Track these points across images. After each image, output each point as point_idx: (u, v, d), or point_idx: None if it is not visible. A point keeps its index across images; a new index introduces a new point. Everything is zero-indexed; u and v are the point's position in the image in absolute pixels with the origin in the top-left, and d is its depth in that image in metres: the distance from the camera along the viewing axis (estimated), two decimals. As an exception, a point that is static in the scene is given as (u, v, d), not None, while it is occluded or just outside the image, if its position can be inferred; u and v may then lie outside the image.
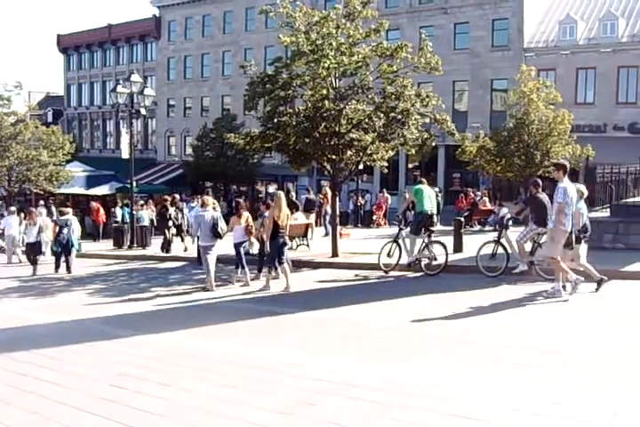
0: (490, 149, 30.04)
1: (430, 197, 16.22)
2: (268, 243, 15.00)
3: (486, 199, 30.83)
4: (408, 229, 16.11)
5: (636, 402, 6.19)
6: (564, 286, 12.10)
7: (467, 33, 44.99)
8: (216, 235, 15.40)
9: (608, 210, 18.22)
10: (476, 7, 44.36)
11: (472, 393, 6.66)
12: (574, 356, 7.92)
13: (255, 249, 16.37)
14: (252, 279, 15.86)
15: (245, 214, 16.30)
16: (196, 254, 18.10)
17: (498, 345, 8.65)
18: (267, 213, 15.53)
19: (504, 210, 18.22)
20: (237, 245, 16.15)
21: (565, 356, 7.92)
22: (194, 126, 54.89)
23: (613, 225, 17.01)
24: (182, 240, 24.55)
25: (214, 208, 16.60)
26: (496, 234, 15.31)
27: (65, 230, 20.37)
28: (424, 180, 17.16)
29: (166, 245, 23.93)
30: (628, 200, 19.20)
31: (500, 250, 14.62)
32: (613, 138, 38.76)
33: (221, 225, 15.45)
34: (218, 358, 8.81)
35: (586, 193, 13.14)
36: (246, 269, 15.91)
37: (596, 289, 12.13)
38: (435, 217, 16.14)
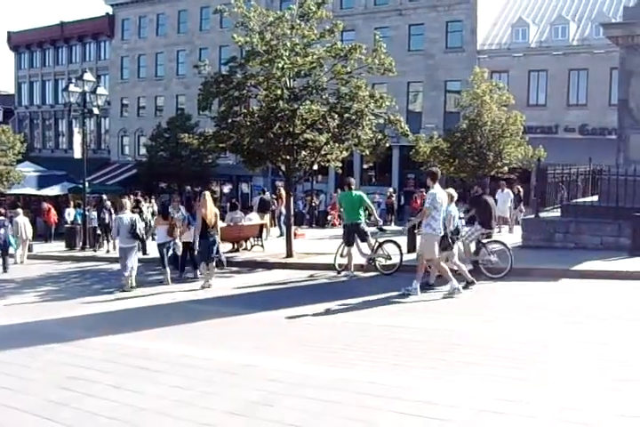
0: (443, 149, 30.26)
1: (353, 204, 15.74)
2: (197, 242, 15.56)
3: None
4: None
5: (589, 397, 6.30)
6: (472, 283, 12.85)
7: (421, 34, 45.32)
8: (134, 236, 15.90)
9: (559, 210, 18.48)
10: (431, 9, 44.71)
11: (427, 392, 6.70)
12: (525, 353, 8.03)
13: (179, 250, 16.85)
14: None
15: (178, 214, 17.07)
16: (152, 255, 17.98)
17: (449, 344, 8.73)
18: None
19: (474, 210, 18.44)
20: (161, 246, 16.78)
21: (517, 353, 8.03)
22: (148, 126, 54.43)
23: (564, 225, 17.28)
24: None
25: (141, 210, 17.21)
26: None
27: (2, 231, 20.43)
28: (352, 180, 16.55)
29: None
30: (578, 200, 19.51)
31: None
32: (564, 139, 39.36)
33: (139, 227, 16.04)
34: (169, 359, 8.74)
35: (455, 196, 13.57)
36: (167, 268, 16.45)
37: (464, 287, 12.54)
38: (361, 225, 15.67)
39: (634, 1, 20.11)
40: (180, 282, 16.50)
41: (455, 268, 13.00)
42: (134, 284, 15.79)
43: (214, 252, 15.66)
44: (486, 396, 6.43)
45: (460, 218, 14.43)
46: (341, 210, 16.20)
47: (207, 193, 16.30)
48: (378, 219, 16.66)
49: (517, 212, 24.99)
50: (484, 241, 14.31)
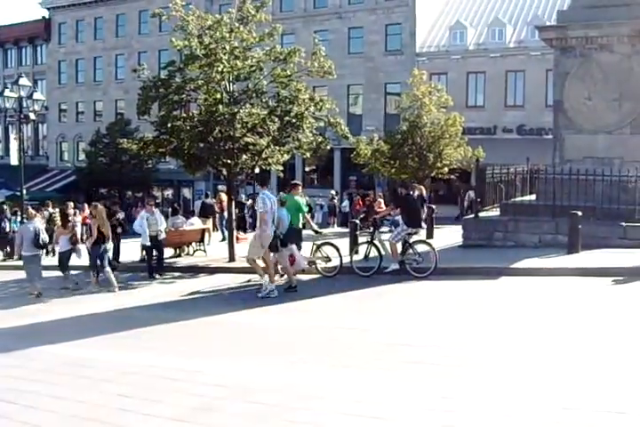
0: (384, 151, 30.43)
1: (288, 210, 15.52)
2: (89, 250, 16.51)
3: (381, 201, 31.17)
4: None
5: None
6: (294, 288, 13.66)
7: (361, 37, 45.65)
8: (38, 246, 16.20)
9: (498, 209, 18.78)
10: (370, 12, 45.06)
11: (370, 392, 6.77)
12: (451, 350, 8.16)
13: (80, 256, 17.61)
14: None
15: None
16: (87, 262, 17.74)
17: (390, 345, 8.81)
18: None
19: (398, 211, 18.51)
20: (62, 254, 17.52)
21: (443, 349, 8.16)
22: (87, 131, 53.70)
23: (503, 224, 17.57)
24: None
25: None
26: (369, 235, 15.78)
27: None
28: (298, 183, 16.61)
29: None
30: (516, 199, 19.85)
31: (374, 251, 15.16)
32: (503, 140, 40.06)
33: (43, 237, 16.21)
34: (111, 367, 8.63)
35: (276, 202, 14.44)
36: (68, 272, 17.24)
37: (286, 290, 13.64)
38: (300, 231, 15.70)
39: (567, 5, 20.57)
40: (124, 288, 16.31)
41: (283, 272, 14.61)
42: (40, 291, 15.85)
43: (104, 259, 16.32)
44: (431, 394, 6.53)
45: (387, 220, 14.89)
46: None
47: (100, 206, 17.18)
48: (312, 224, 16.49)
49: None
50: (411, 241, 14.69)
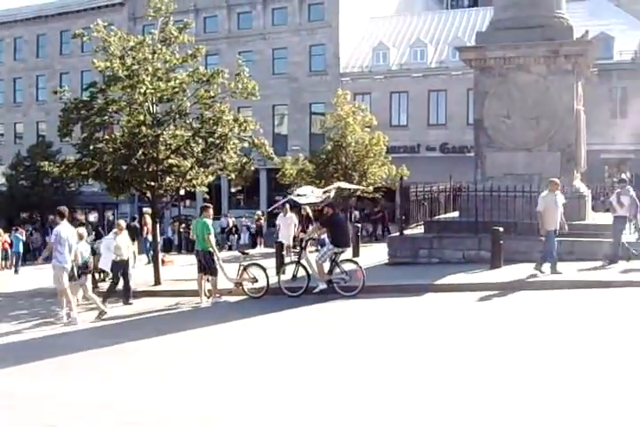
0: (309, 171, 30.60)
1: (197, 230, 15.63)
2: None
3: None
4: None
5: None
6: (68, 314, 14.10)
7: (285, 58, 45.95)
8: None
9: (422, 227, 19.02)
10: (294, 33, 45.41)
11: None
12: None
13: None
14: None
15: None
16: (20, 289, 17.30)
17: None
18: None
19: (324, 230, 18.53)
20: None
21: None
22: (7, 154, 52.51)
23: (427, 241, 17.80)
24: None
25: None
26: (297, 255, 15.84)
27: None
28: (208, 205, 16.30)
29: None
30: (440, 217, 20.18)
31: (301, 270, 15.19)
32: (426, 158, 40.71)
33: None
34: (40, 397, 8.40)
35: (85, 235, 15.60)
36: None
37: (97, 317, 14.25)
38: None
39: (486, 26, 21.10)
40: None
41: (90, 300, 14.89)
42: None
43: None
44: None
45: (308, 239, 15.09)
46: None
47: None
48: (213, 246, 15.52)
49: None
50: (338, 260, 14.75)
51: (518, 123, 18.21)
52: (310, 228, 21.81)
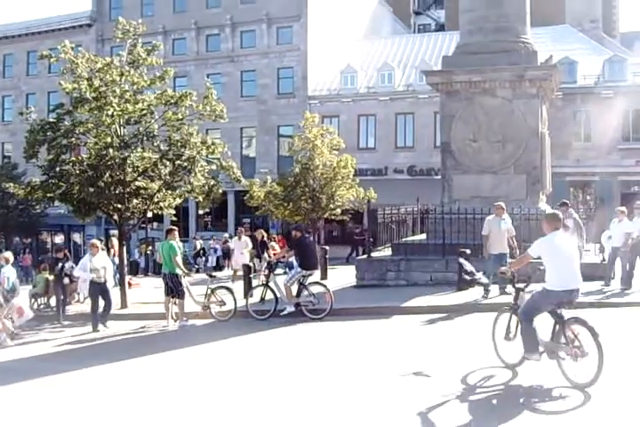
0: (277, 193, 30.62)
1: (163, 252, 15.51)
2: None
3: (274, 244, 30.57)
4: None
5: None
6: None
7: (253, 81, 46.04)
8: None
9: (390, 249, 19.08)
10: (262, 56, 45.59)
11: None
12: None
13: None
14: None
15: None
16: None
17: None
18: None
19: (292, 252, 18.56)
20: None
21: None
22: (-29, 175, 51.79)
23: (395, 263, 17.86)
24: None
25: None
26: (264, 278, 15.75)
27: None
28: (173, 228, 16.18)
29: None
30: (408, 239, 20.27)
31: (269, 293, 15.14)
32: (394, 180, 40.87)
33: None
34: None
35: (11, 259, 15.80)
36: None
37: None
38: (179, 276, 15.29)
39: (453, 50, 21.38)
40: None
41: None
42: None
43: None
44: None
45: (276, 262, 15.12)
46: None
47: None
48: (181, 268, 15.34)
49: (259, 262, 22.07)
50: (306, 283, 14.76)
51: (484, 146, 18.44)
52: (266, 252, 21.80)
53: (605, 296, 14.34)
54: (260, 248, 22.79)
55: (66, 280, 17.59)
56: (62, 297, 17.60)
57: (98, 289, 15.66)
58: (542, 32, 37.49)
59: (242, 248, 22.35)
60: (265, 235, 23.81)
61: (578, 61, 38.76)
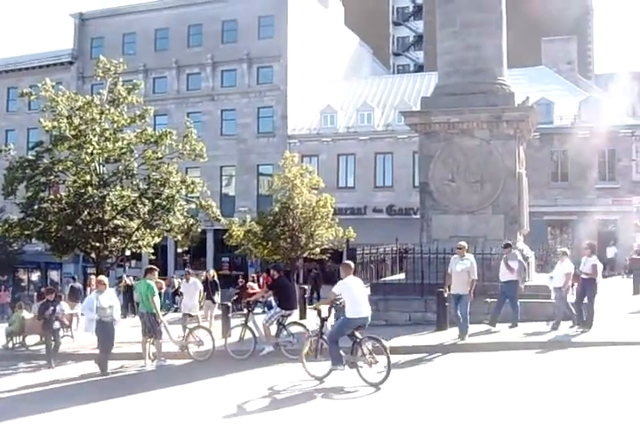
0: (257, 232, 30.57)
1: (140, 291, 15.28)
2: None
3: (252, 284, 30.30)
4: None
5: None
6: None
7: (233, 119, 46.26)
8: None
9: (369, 289, 18.98)
10: (243, 95, 45.90)
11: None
12: None
13: None
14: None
15: None
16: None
17: None
18: None
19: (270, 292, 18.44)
20: None
21: None
22: (-52, 212, 51.37)
23: (374, 303, 17.60)
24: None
25: None
26: (244, 318, 15.58)
27: None
28: (153, 268, 15.73)
29: None
30: (387, 278, 20.21)
31: (248, 333, 15.01)
32: (373, 219, 41.00)
33: None
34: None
35: None
36: None
37: None
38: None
39: (431, 91, 21.61)
40: None
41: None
42: None
43: None
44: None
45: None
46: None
47: None
48: (157, 308, 14.96)
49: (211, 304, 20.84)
50: (285, 323, 14.65)
51: (462, 186, 18.54)
52: (217, 295, 21.14)
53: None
54: (211, 289, 21.06)
55: (56, 324, 16.37)
56: (53, 342, 16.27)
57: (105, 329, 14.61)
58: (519, 73, 38.02)
59: (192, 292, 20.95)
60: (215, 274, 22.61)
61: (554, 102, 39.33)
